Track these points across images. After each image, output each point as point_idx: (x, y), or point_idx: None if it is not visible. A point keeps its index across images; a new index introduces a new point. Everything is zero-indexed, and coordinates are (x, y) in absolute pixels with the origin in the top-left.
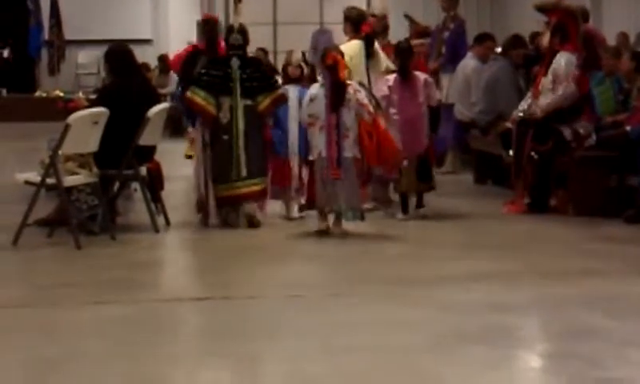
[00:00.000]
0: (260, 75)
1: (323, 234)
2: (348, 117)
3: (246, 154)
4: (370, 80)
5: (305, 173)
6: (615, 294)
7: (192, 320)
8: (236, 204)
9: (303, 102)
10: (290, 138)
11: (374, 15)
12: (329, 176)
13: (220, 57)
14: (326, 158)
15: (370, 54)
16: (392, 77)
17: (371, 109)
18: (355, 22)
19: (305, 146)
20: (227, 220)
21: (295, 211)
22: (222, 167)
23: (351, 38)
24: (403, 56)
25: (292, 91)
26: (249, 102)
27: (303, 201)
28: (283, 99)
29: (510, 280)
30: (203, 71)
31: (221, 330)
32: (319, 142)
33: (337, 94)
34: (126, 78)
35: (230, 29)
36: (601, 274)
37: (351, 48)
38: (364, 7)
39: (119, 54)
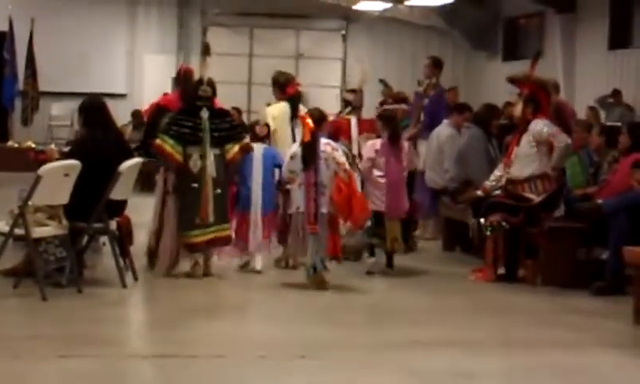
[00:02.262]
0: (228, 126)
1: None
2: (326, 175)
3: (215, 201)
4: (296, 138)
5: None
6: (581, 366)
7: (157, 378)
8: (205, 249)
9: (285, 159)
10: (253, 195)
11: (353, 90)
12: (306, 230)
13: (189, 108)
14: (304, 213)
15: (295, 115)
16: (379, 141)
17: (347, 167)
18: (281, 86)
19: (269, 201)
20: (190, 272)
21: (259, 264)
22: (193, 214)
23: (278, 100)
24: (392, 123)
25: (258, 149)
26: (217, 151)
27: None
28: (249, 148)
29: (476, 348)
30: (172, 121)
31: None
32: (298, 198)
33: (306, 152)
34: (99, 131)
35: (199, 81)
36: (567, 346)
37: (277, 108)
38: (339, 76)
39: (94, 108)
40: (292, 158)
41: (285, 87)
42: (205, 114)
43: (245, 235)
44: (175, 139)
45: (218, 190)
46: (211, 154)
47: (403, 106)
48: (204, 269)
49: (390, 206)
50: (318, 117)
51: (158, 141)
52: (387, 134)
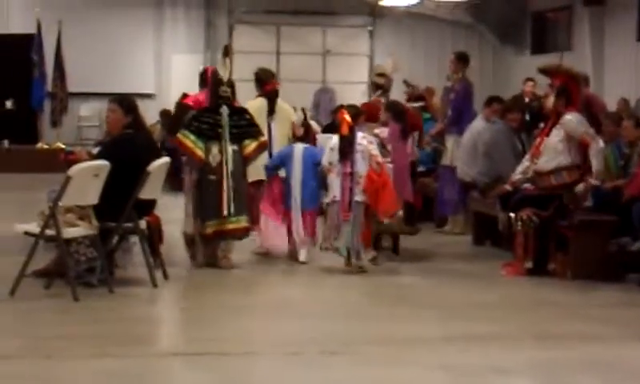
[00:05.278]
0: (246, 123)
1: (347, 272)
2: (362, 165)
3: (233, 194)
4: (272, 133)
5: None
6: (612, 359)
7: (188, 376)
8: (223, 238)
9: (325, 151)
10: (293, 193)
11: (383, 74)
12: (341, 218)
13: (210, 106)
14: (340, 201)
15: (272, 110)
16: (386, 129)
17: (380, 159)
18: (261, 82)
19: (308, 198)
20: (210, 260)
21: (303, 255)
22: (210, 206)
23: (257, 96)
24: (402, 117)
25: (298, 149)
26: (235, 147)
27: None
28: (266, 145)
29: (507, 343)
30: (194, 118)
31: None
32: (335, 187)
33: (342, 145)
34: (133, 131)
35: (219, 82)
36: (598, 339)
37: (254, 104)
38: (366, 72)
39: (135, 108)
40: (331, 149)
41: (264, 84)
42: (225, 111)
43: (289, 231)
44: (196, 135)
45: (235, 184)
46: (230, 149)
47: (417, 104)
48: (225, 261)
49: (397, 189)
50: (355, 113)
51: (179, 136)
52: (399, 127)
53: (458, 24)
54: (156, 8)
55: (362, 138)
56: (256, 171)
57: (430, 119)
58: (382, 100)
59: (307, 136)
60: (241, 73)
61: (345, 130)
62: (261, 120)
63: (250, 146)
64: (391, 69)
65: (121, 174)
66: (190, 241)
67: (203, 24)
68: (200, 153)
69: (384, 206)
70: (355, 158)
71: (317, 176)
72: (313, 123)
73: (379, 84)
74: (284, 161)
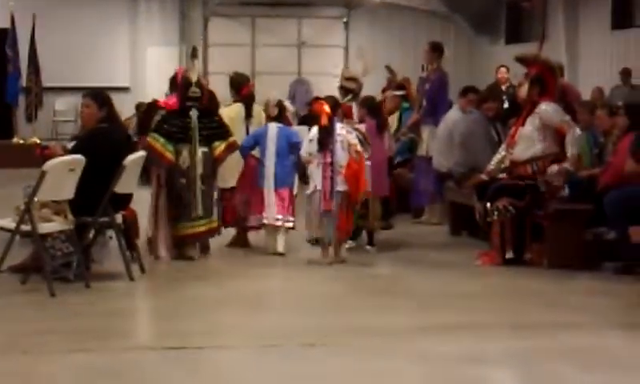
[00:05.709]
0: (215, 125)
1: (325, 263)
2: (342, 155)
3: (202, 196)
4: None
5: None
6: (587, 347)
7: (166, 370)
8: (197, 240)
9: (304, 141)
10: (267, 171)
11: (354, 79)
12: (322, 208)
13: (179, 109)
14: (321, 191)
15: (249, 114)
16: (363, 126)
17: (359, 148)
18: (237, 87)
19: (281, 177)
20: (185, 253)
21: (281, 245)
22: (182, 208)
23: (234, 101)
24: (377, 112)
25: (272, 128)
26: (205, 149)
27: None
28: (236, 146)
29: (482, 332)
30: (163, 121)
31: (193, 380)
32: (316, 177)
33: (322, 136)
34: (107, 125)
35: (188, 83)
36: (575, 327)
37: (232, 110)
38: (342, 64)
39: (108, 101)
40: (310, 141)
41: (239, 89)
42: (194, 114)
43: (260, 209)
44: (166, 138)
45: (204, 186)
46: (199, 152)
47: (399, 93)
48: (204, 250)
49: (375, 184)
50: (334, 104)
51: (149, 139)
52: (375, 122)
53: (433, 14)
54: (130, 1)
55: (341, 128)
56: (233, 177)
57: (409, 108)
58: (353, 104)
59: (281, 116)
60: (216, 65)
61: (324, 120)
62: (239, 125)
63: (220, 147)
64: (362, 72)
65: (96, 168)
66: (149, 242)
67: (178, 16)
68: (169, 156)
69: (360, 192)
70: (335, 148)
71: (291, 156)
72: (287, 104)
73: (349, 88)
74: (258, 140)
